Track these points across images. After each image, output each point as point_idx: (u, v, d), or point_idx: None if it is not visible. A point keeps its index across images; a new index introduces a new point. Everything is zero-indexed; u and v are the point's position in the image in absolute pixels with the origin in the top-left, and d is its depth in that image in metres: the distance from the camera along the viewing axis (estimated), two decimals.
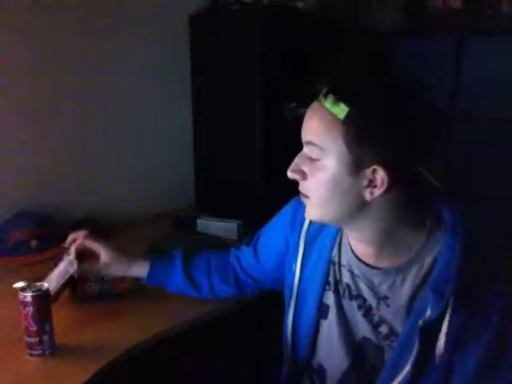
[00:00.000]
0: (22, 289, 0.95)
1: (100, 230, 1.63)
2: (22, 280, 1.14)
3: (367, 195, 0.73)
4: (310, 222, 0.93)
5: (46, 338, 0.95)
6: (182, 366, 1.19)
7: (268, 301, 1.10)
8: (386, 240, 0.78)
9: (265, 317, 1.15)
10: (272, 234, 1.04)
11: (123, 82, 1.76)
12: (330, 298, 0.88)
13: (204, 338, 1.19)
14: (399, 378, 0.74)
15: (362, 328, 0.83)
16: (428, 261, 0.76)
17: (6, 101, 1.50)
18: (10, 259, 1.41)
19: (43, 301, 0.95)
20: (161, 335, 1.06)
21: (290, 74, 1.71)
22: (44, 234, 1.48)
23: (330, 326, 0.88)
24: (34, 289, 0.95)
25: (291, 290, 0.94)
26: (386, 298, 0.79)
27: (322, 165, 0.74)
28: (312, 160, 0.76)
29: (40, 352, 0.94)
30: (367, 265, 0.82)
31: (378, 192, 0.72)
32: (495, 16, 2.02)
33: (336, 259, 0.88)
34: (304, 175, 0.78)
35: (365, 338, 0.83)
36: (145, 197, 1.88)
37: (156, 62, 1.83)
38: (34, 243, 1.45)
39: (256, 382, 1.09)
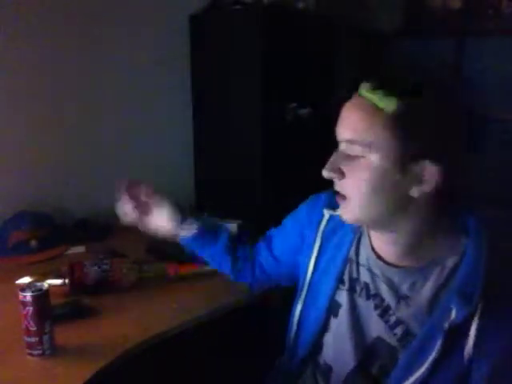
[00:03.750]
0: (22, 289, 0.95)
1: (100, 230, 1.64)
2: (26, 276, 1.15)
3: (415, 192, 0.71)
4: (329, 218, 0.91)
5: (45, 338, 0.94)
6: (182, 367, 1.19)
7: (271, 298, 1.10)
8: (413, 241, 0.76)
9: (267, 317, 1.15)
10: (288, 230, 1.03)
11: (123, 82, 1.76)
12: (342, 296, 0.86)
13: (204, 337, 1.19)
14: (412, 379, 0.73)
15: (377, 328, 0.81)
16: (450, 263, 0.74)
17: (5, 100, 1.50)
18: (10, 259, 1.41)
19: (43, 301, 0.95)
20: (161, 334, 1.06)
21: (289, 74, 1.71)
22: (44, 234, 1.48)
23: (340, 325, 0.86)
24: (33, 289, 0.95)
25: (303, 283, 0.93)
26: (406, 297, 0.77)
27: (365, 162, 0.71)
28: (352, 158, 0.72)
29: (40, 352, 0.94)
30: (387, 263, 0.80)
31: (427, 188, 0.70)
32: (495, 16, 2.02)
33: (354, 258, 0.86)
34: (342, 174, 0.74)
35: (378, 338, 0.81)
36: None
37: (156, 61, 1.83)
38: (33, 243, 1.45)
39: (257, 378, 1.09)
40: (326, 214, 0.91)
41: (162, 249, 1.49)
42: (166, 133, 1.93)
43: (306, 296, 0.92)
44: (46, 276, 1.16)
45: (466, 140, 0.74)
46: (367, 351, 0.83)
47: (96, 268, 1.18)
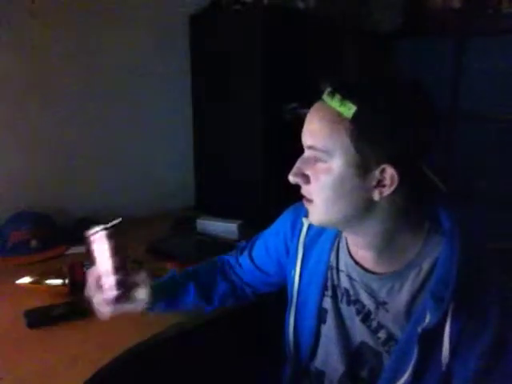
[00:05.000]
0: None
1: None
2: (26, 276, 1.15)
3: (376, 195, 0.71)
4: (309, 226, 0.91)
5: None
6: (182, 367, 1.19)
7: (268, 302, 1.09)
8: (386, 244, 0.76)
9: (265, 317, 1.15)
10: (272, 240, 1.02)
11: (123, 82, 1.76)
12: (327, 303, 0.87)
13: (205, 338, 1.19)
14: (399, 383, 0.73)
15: (361, 333, 0.82)
16: (426, 265, 0.75)
17: (5, 100, 1.50)
18: (10, 259, 1.41)
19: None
20: (161, 335, 1.06)
21: (289, 74, 1.71)
22: (44, 234, 1.48)
23: (327, 331, 0.87)
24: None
25: (291, 294, 0.94)
26: (384, 303, 0.78)
27: (327, 167, 0.72)
28: (315, 163, 0.73)
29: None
30: (365, 270, 0.80)
31: (387, 191, 0.70)
32: (495, 16, 2.02)
33: (334, 264, 0.87)
34: (307, 179, 0.75)
35: (363, 343, 0.82)
36: (145, 197, 1.88)
37: (156, 61, 1.83)
38: (34, 243, 1.45)
39: (256, 379, 1.09)
40: (305, 222, 0.92)
41: (162, 249, 1.49)
42: (166, 133, 1.93)
43: (297, 306, 0.93)
44: (46, 276, 1.17)
45: (433, 140, 0.73)
46: (354, 356, 0.83)
47: None
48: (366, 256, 0.80)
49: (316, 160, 0.73)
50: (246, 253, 1.07)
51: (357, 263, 0.82)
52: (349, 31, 1.97)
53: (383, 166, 0.69)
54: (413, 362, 0.71)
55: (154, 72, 1.84)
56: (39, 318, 1.05)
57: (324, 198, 0.74)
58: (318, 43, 1.77)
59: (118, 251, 0.87)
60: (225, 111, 1.82)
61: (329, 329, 0.87)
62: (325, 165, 0.72)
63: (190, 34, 1.88)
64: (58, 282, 1.16)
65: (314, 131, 0.73)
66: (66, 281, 1.15)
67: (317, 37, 1.77)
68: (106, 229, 0.86)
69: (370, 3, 2.25)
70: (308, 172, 0.75)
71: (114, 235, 0.87)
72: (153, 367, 1.10)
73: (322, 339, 0.89)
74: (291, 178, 0.76)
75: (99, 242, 0.86)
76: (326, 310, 0.87)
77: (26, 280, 1.15)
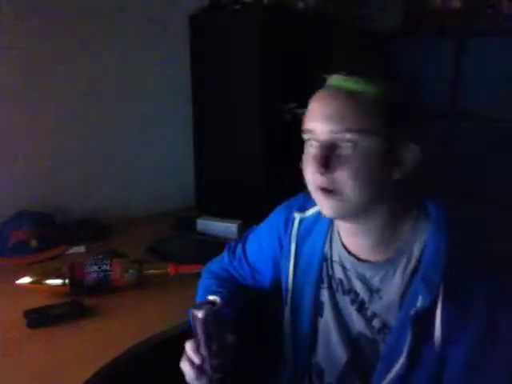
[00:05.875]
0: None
1: (100, 230, 1.64)
2: (26, 276, 1.15)
3: (397, 174, 0.73)
4: (300, 221, 0.92)
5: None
6: None
7: (268, 301, 1.09)
8: (382, 231, 0.78)
9: (265, 317, 1.14)
10: (265, 236, 1.03)
11: (123, 82, 1.76)
12: (324, 295, 0.88)
13: None
14: (394, 371, 0.74)
15: (357, 323, 0.83)
16: (416, 250, 0.76)
17: (5, 101, 1.50)
18: (10, 259, 1.41)
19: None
20: (161, 335, 1.06)
21: (289, 74, 1.71)
22: (44, 234, 1.48)
23: (326, 323, 0.87)
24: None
25: (286, 289, 0.94)
26: (378, 290, 0.79)
27: (356, 150, 0.70)
28: (339, 148, 0.72)
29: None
30: (358, 259, 0.81)
31: (407, 169, 0.73)
32: (495, 16, 2.02)
33: (328, 255, 0.87)
34: (330, 169, 0.72)
35: (359, 333, 0.83)
36: (145, 197, 1.88)
37: (156, 62, 1.83)
38: (34, 243, 1.45)
39: (257, 378, 1.09)
40: (297, 217, 0.93)
41: (162, 249, 1.49)
42: (166, 133, 1.93)
43: (292, 300, 0.93)
44: (46, 276, 1.17)
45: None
46: (353, 346, 0.84)
47: (96, 268, 1.18)
48: (358, 244, 0.81)
49: (343, 144, 0.71)
50: (237, 255, 1.07)
51: (349, 253, 0.83)
52: (348, 31, 1.97)
53: (406, 143, 0.72)
54: (406, 348, 0.72)
55: (154, 72, 1.84)
56: (39, 318, 1.05)
57: (356, 182, 0.71)
58: (318, 43, 1.77)
59: (218, 335, 0.81)
60: (225, 111, 1.82)
61: (327, 321, 0.87)
62: (355, 147, 0.70)
63: (190, 34, 1.87)
64: (58, 282, 1.16)
65: (338, 114, 0.71)
66: (66, 281, 1.15)
67: (317, 37, 1.77)
68: (206, 316, 0.80)
69: (369, 3, 2.25)
70: (332, 160, 0.72)
71: (213, 322, 0.80)
72: (153, 367, 1.10)
73: (321, 333, 0.89)
74: (322, 170, 0.72)
75: (200, 322, 0.81)
76: (322, 303, 0.88)
77: (25, 280, 1.15)
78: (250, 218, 1.61)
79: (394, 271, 0.77)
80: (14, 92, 1.51)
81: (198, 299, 1.05)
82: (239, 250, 1.08)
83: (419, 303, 0.71)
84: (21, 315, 1.06)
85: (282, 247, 0.97)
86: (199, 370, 0.80)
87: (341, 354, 0.85)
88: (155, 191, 1.91)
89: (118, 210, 1.78)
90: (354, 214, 0.77)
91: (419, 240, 0.76)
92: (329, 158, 0.72)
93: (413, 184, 0.77)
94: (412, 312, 0.71)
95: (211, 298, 0.88)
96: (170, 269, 1.25)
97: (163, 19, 1.81)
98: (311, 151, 0.76)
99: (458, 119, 2.14)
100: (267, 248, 1.01)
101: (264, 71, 1.65)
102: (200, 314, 0.79)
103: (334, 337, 0.86)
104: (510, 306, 0.71)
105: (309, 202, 0.89)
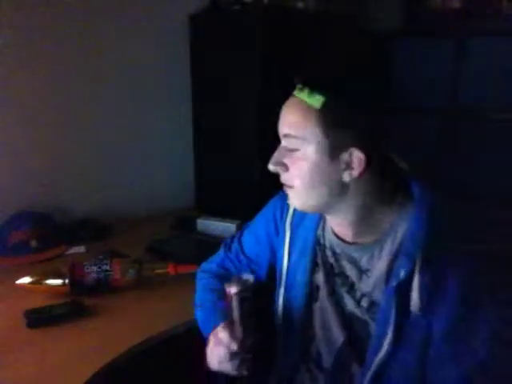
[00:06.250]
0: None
1: (100, 230, 1.64)
2: (26, 276, 1.15)
3: (346, 177, 0.79)
4: (294, 208, 0.97)
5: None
6: (183, 366, 1.19)
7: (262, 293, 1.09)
8: (362, 219, 0.83)
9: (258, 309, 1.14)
10: (262, 225, 1.06)
11: (123, 82, 1.76)
12: (319, 279, 0.91)
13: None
14: (383, 350, 0.77)
15: (348, 304, 0.87)
16: (401, 230, 0.81)
17: (6, 101, 1.50)
18: (10, 259, 1.41)
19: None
20: (161, 335, 1.06)
21: (289, 74, 1.71)
22: (44, 234, 1.48)
23: (322, 306, 0.91)
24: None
25: (280, 274, 0.97)
26: (366, 270, 0.84)
27: (302, 154, 0.79)
28: (292, 152, 0.81)
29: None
30: (346, 242, 0.87)
31: (356, 172, 0.78)
32: (495, 16, 2.02)
33: (321, 240, 0.93)
34: (286, 167, 0.82)
35: (351, 314, 0.87)
36: (145, 197, 1.88)
37: (156, 61, 1.84)
38: (34, 243, 1.45)
39: (257, 378, 1.09)
40: (292, 204, 0.97)
41: (162, 249, 1.49)
42: (166, 133, 1.93)
43: (286, 285, 0.96)
44: (46, 276, 1.17)
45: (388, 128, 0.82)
46: (348, 327, 0.87)
47: (96, 268, 1.18)
48: (345, 231, 0.87)
49: (292, 149, 0.80)
50: (235, 243, 1.11)
51: (339, 238, 0.88)
52: (348, 31, 1.97)
53: (350, 149, 0.77)
54: (393, 321, 0.76)
55: (154, 72, 1.84)
56: (39, 318, 1.06)
57: (303, 183, 0.81)
58: (318, 43, 1.77)
59: (251, 314, 0.84)
60: (224, 111, 1.82)
61: (323, 304, 0.90)
62: (300, 152, 0.79)
63: (190, 34, 1.87)
64: (58, 282, 1.16)
65: (289, 122, 0.81)
66: (66, 281, 1.16)
67: (316, 37, 1.77)
68: (240, 292, 0.83)
69: (369, 3, 2.26)
70: (286, 160, 0.82)
71: (247, 298, 0.84)
72: (153, 367, 1.10)
73: (318, 317, 0.92)
74: (271, 167, 0.84)
75: (235, 298, 0.84)
76: (317, 287, 0.92)
77: (25, 280, 1.15)
78: (249, 218, 1.61)
79: (381, 251, 0.82)
80: (13, 92, 1.51)
81: (198, 299, 1.06)
82: (235, 243, 1.11)
83: (401, 275, 0.76)
84: (21, 315, 1.06)
85: (278, 232, 1.01)
86: (232, 351, 0.84)
87: (337, 335, 0.88)
88: (155, 191, 1.92)
89: (117, 209, 1.78)
90: (317, 209, 0.85)
91: (405, 221, 0.81)
92: (280, 158, 0.83)
93: (388, 175, 0.82)
94: (394, 283, 0.76)
95: (245, 276, 0.92)
96: (170, 269, 1.25)
97: (163, 19, 1.81)
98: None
99: (457, 119, 2.14)
100: (264, 237, 1.05)
101: (264, 71, 1.65)
102: (234, 289, 0.82)
103: (331, 318, 0.89)
104: (487, 288, 0.73)
105: None
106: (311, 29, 1.78)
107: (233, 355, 0.85)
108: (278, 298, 0.98)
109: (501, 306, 0.72)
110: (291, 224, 0.97)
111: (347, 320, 0.87)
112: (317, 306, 0.92)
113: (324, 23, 1.84)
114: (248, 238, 1.10)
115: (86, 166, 1.72)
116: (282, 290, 0.96)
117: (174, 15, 1.84)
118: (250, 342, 0.86)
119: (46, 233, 1.49)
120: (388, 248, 0.81)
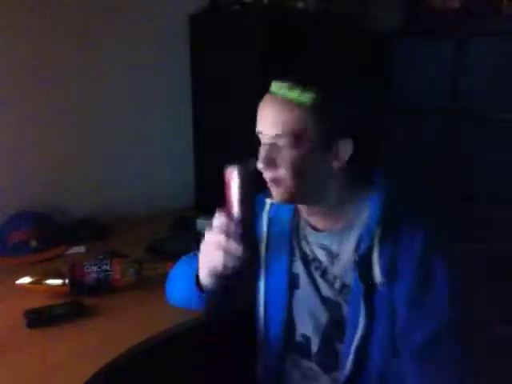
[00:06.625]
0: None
1: (100, 230, 1.64)
2: (26, 276, 1.15)
3: (335, 164, 0.84)
4: (271, 203, 1.00)
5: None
6: (183, 366, 1.19)
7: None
8: (335, 208, 0.89)
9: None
10: None
11: (123, 82, 1.76)
12: (298, 267, 0.95)
13: (204, 338, 1.19)
14: (361, 324, 0.83)
15: (323, 288, 0.92)
16: (365, 215, 0.86)
17: (6, 101, 1.50)
18: (10, 259, 1.41)
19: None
20: (161, 335, 1.06)
21: (289, 74, 1.71)
22: (44, 234, 1.48)
23: (304, 292, 0.95)
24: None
25: (259, 265, 1.00)
26: (337, 255, 0.89)
27: (294, 150, 0.82)
28: (281, 148, 0.83)
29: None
30: (318, 230, 0.92)
31: (343, 160, 0.83)
32: (495, 16, 2.02)
33: (295, 231, 0.97)
34: (275, 165, 0.84)
35: (327, 298, 0.92)
36: (145, 197, 1.88)
37: (156, 61, 1.84)
38: (34, 243, 1.45)
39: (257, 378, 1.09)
40: (268, 201, 1.01)
41: (162, 249, 1.49)
42: (166, 133, 1.93)
43: (266, 274, 0.99)
44: (46, 276, 1.17)
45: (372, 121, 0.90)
46: (328, 310, 0.92)
47: (96, 268, 1.18)
48: (317, 220, 0.92)
49: (282, 146, 0.83)
50: None
51: (312, 227, 0.93)
52: (348, 31, 1.97)
53: (340, 139, 0.82)
54: (362, 297, 0.81)
55: (154, 72, 1.84)
56: (39, 318, 1.05)
57: (294, 177, 0.83)
58: (318, 43, 1.77)
59: (247, 200, 0.82)
60: (225, 111, 1.82)
61: (305, 290, 0.94)
62: (292, 148, 0.82)
63: (190, 34, 1.87)
64: (58, 282, 1.16)
65: (277, 120, 0.82)
66: (66, 281, 1.15)
67: (316, 37, 1.77)
68: (243, 173, 0.80)
69: (369, 3, 2.26)
70: (276, 157, 0.84)
71: (248, 182, 0.81)
72: (153, 367, 1.10)
73: (300, 304, 0.95)
74: (262, 166, 0.85)
75: (233, 185, 0.82)
76: (297, 275, 0.96)
77: (25, 280, 1.15)
78: None
79: (349, 235, 0.88)
80: (13, 92, 1.51)
81: (179, 287, 1.04)
82: None
83: (362, 248, 0.83)
84: (21, 315, 1.06)
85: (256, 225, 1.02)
86: (229, 252, 0.80)
87: (322, 316, 0.93)
88: (155, 191, 1.91)
89: (117, 209, 1.78)
90: (302, 201, 0.90)
91: (368, 206, 0.86)
92: (271, 157, 0.84)
93: (362, 165, 0.89)
94: (356, 258, 0.83)
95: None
96: (170, 269, 1.25)
97: (163, 19, 1.81)
98: (260, 150, 0.88)
99: (457, 119, 2.14)
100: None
101: (264, 71, 1.65)
102: (234, 168, 0.83)
103: (315, 303, 0.93)
104: (444, 255, 0.80)
105: None
106: (311, 29, 1.78)
107: (228, 257, 0.80)
108: (259, 290, 1.00)
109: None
110: (268, 217, 1.00)
111: (324, 303, 0.92)
112: (298, 293, 0.96)
113: (324, 23, 1.84)
114: None
115: (85, 166, 1.72)
116: (262, 283, 1.00)
117: (174, 15, 1.84)
118: (252, 239, 0.83)
119: (46, 233, 1.49)
120: (354, 232, 0.87)
